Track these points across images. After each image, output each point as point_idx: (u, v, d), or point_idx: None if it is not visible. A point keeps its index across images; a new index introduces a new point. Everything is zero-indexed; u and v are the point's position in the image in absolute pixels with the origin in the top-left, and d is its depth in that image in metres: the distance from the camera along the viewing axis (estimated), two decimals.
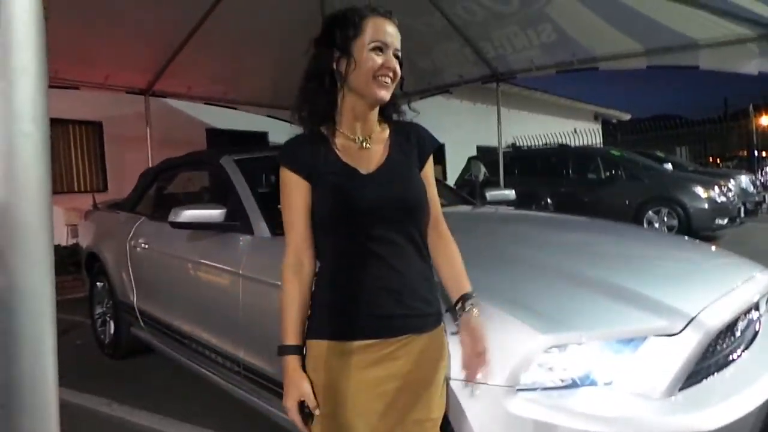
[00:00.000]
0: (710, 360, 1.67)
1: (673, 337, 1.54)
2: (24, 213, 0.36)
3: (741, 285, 1.91)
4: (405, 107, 1.41)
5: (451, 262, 1.40)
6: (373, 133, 1.35)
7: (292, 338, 1.29)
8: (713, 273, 2.15)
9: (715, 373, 1.68)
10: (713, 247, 2.81)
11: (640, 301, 1.65)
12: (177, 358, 3.11)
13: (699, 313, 1.61)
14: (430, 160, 1.42)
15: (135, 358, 3.86)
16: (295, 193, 1.30)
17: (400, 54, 1.30)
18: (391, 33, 1.28)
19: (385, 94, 1.28)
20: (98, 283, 4.12)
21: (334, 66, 1.29)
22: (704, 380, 1.63)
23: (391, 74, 1.27)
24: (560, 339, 1.49)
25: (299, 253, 1.31)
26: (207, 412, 2.94)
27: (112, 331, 3.93)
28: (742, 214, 8.99)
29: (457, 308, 1.38)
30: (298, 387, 1.27)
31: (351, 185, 1.28)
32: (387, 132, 1.38)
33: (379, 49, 1.26)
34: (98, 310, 4.14)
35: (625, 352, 1.54)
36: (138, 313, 3.46)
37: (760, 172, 14.57)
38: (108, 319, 4.00)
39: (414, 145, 1.39)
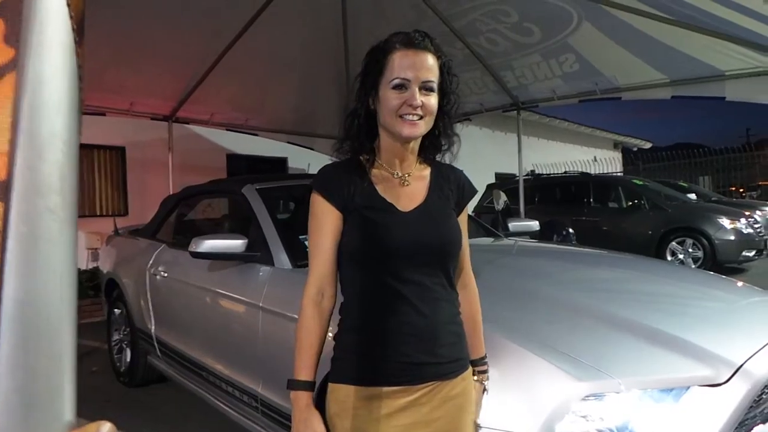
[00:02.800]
0: (756, 410, 1.57)
1: (718, 387, 1.45)
2: (45, 309, 0.31)
3: None
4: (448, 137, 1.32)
5: (469, 320, 1.34)
6: (413, 171, 1.30)
7: (306, 373, 1.21)
8: (755, 316, 2.05)
9: (761, 425, 1.59)
10: (750, 286, 2.70)
11: (680, 347, 1.57)
12: (193, 390, 3.05)
13: (746, 361, 1.52)
14: (466, 208, 1.37)
15: (151, 387, 3.82)
16: (326, 222, 1.24)
17: (434, 84, 1.21)
18: (418, 65, 1.19)
19: (412, 131, 1.19)
20: (116, 310, 4.11)
21: (370, 103, 1.25)
22: None
23: (417, 111, 1.18)
24: (598, 387, 1.41)
25: (322, 283, 1.24)
26: None
27: (128, 358, 3.90)
28: None
29: (473, 370, 1.34)
30: (312, 425, 1.20)
31: (387, 221, 1.22)
32: (428, 171, 1.33)
33: (401, 86, 1.18)
34: (115, 336, 4.12)
35: (666, 402, 1.45)
36: (155, 342, 3.42)
37: None
38: (125, 346, 3.97)
39: (454, 190, 1.33)
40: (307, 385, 1.21)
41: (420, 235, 1.22)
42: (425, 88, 1.19)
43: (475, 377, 1.32)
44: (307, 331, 1.23)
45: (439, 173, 1.33)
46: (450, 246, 1.26)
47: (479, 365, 1.34)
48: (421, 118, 1.20)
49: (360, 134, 1.27)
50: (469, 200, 1.36)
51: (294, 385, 1.21)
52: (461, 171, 1.38)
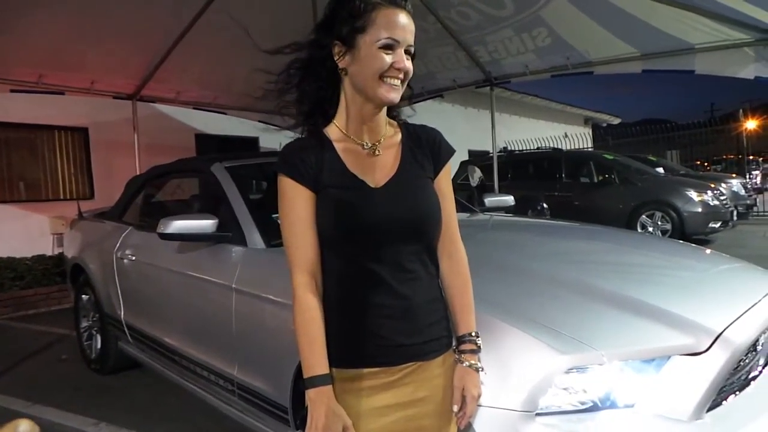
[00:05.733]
0: (734, 377, 1.58)
1: (699, 355, 1.45)
2: None
3: (764, 298, 1.82)
4: (405, 110, 1.28)
5: (458, 293, 1.26)
6: (383, 138, 1.22)
7: (324, 366, 1.13)
8: (729, 283, 2.07)
9: (738, 392, 1.60)
10: (718, 253, 2.73)
11: (661, 317, 1.56)
12: (167, 375, 2.98)
13: (725, 329, 1.52)
14: (447, 169, 1.28)
15: (123, 373, 3.72)
16: (300, 205, 1.15)
17: (413, 49, 1.16)
18: (405, 26, 1.13)
19: (394, 97, 1.14)
20: (84, 296, 3.98)
21: (336, 58, 1.16)
22: (724, 401, 1.54)
23: (401, 75, 1.13)
24: (581, 360, 1.39)
25: (312, 269, 1.16)
26: None
27: (98, 345, 3.79)
28: (735, 218, 9.01)
29: (454, 349, 1.25)
30: (342, 418, 1.11)
31: (358, 201, 1.15)
32: (398, 136, 1.25)
33: (389, 46, 1.11)
34: (84, 323, 3.99)
35: (648, 372, 1.45)
36: (125, 328, 3.32)
37: (748, 176, 14.70)
38: (94, 333, 3.85)
39: (428, 153, 1.25)
40: (328, 378, 1.13)
41: (394, 211, 1.15)
42: (407, 51, 1.15)
43: (459, 356, 1.23)
44: (311, 322, 1.14)
45: (410, 137, 1.25)
46: (427, 219, 1.19)
47: (466, 342, 1.23)
48: (403, 81, 1.14)
49: (324, 98, 1.19)
50: (446, 161, 1.27)
51: (315, 381, 1.11)
52: (435, 130, 1.30)
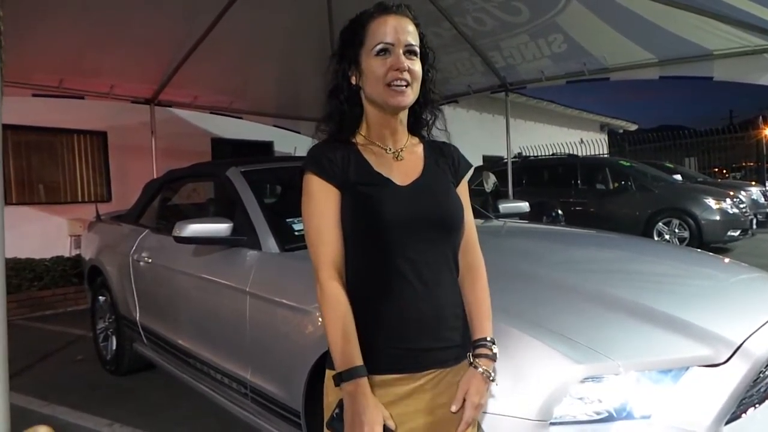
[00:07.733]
0: (753, 390, 1.55)
1: (717, 367, 1.43)
2: None
3: None
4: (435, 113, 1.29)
5: (477, 301, 1.25)
6: (406, 146, 1.26)
7: (360, 358, 1.09)
8: (748, 293, 2.03)
9: (758, 405, 1.57)
10: (736, 262, 2.68)
11: (678, 327, 1.54)
12: (181, 377, 3.00)
13: (745, 340, 1.50)
14: (465, 181, 1.32)
15: (138, 374, 3.76)
16: (326, 203, 1.17)
17: (417, 48, 1.18)
18: (398, 28, 1.16)
19: (402, 99, 1.16)
20: (100, 297, 4.02)
21: (353, 80, 1.22)
22: (744, 414, 1.51)
23: (404, 75, 1.14)
24: (597, 369, 1.38)
25: (338, 266, 1.16)
26: None
27: (114, 346, 3.83)
28: (754, 226, 8.86)
29: (469, 353, 1.22)
30: (381, 408, 1.08)
31: (385, 197, 1.16)
32: (420, 147, 1.29)
33: (384, 51, 1.15)
34: (100, 324, 4.04)
35: (665, 383, 1.42)
36: (141, 329, 3.36)
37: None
38: (110, 334, 3.90)
39: (449, 164, 1.30)
40: (365, 370, 1.08)
41: (420, 209, 1.17)
42: (409, 51, 1.17)
43: (473, 360, 1.19)
44: (345, 315, 1.11)
45: (431, 149, 1.30)
46: (452, 219, 1.21)
47: (480, 347, 1.20)
48: (408, 85, 1.16)
49: (345, 114, 1.23)
50: (465, 174, 1.32)
51: (353, 373, 1.07)
52: (454, 146, 1.35)
